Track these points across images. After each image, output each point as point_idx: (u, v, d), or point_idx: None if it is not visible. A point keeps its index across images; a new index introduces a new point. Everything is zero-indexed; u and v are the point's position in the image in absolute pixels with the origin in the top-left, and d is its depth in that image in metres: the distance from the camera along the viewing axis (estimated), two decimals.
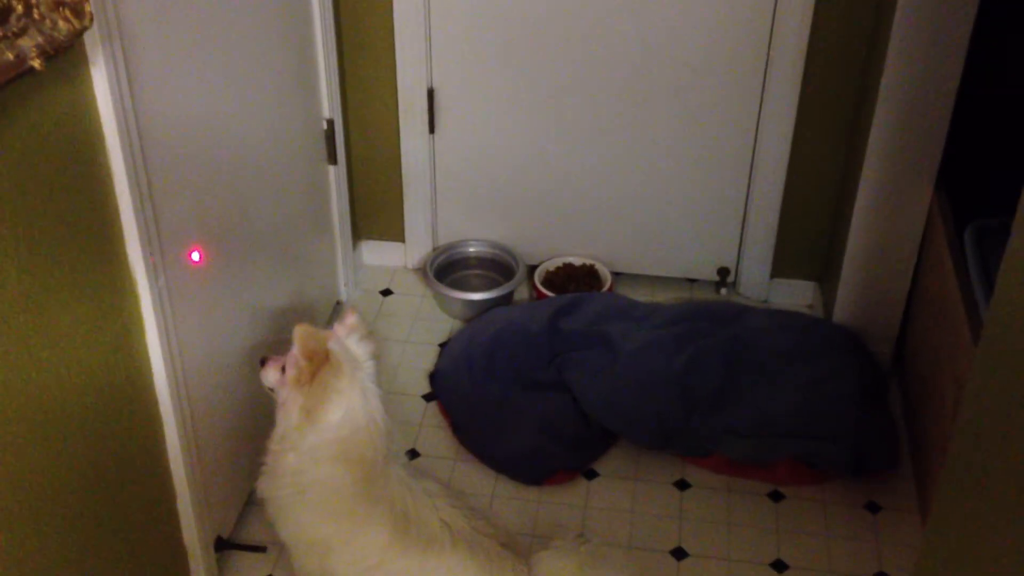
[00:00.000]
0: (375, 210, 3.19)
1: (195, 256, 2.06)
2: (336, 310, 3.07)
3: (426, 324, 3.05)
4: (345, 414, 1.90)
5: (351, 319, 1.99)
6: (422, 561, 1.91)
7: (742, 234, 3.04)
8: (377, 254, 3.26)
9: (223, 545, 2.27)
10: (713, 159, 2.94)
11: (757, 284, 3.10)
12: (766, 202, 2.96)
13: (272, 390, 2.00)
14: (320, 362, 1.87)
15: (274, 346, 2.15)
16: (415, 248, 3.23)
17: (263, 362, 2.01)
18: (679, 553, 2.36)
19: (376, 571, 1.94)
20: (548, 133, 2.98)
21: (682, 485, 2.54)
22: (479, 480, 2.54)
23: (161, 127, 1.85)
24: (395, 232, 3.22)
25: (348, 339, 1.97)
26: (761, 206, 2.97)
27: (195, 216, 2.06)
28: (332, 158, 2.87)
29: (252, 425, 2.27)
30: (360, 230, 3.21)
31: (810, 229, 3.00)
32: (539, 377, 2.68)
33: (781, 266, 3.07)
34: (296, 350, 1.88)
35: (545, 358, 2.72)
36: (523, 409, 2.61)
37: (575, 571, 1.93)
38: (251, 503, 2.43)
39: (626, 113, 2.91)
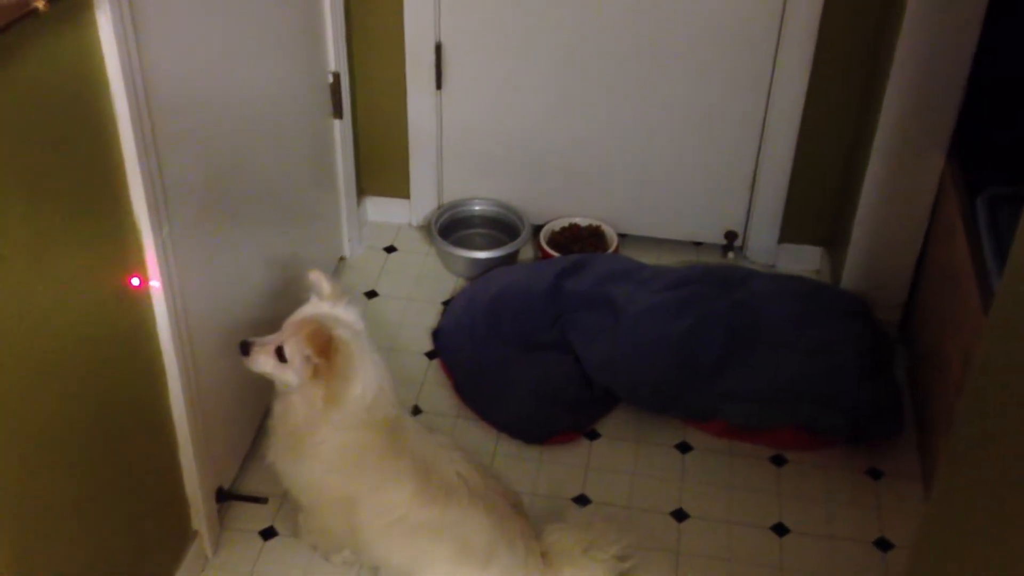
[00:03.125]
0: (380, 166, 3.16)
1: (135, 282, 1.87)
2: (340, 266, 3.05)
3: (429, 282, 3.03)
4: (364, 386, 1.93)
5: (327, 288, 1.98)
6: (443, 512, 1.95)
7: (751, 198, 3.02)
8: (382, 211, 3.23)
9: (224, 496, 2.27)
10: (724, 121, 2.91)
11: (765, 249, 3.08)
12: (776, 166, 2.93)
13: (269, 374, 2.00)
14: (332, 351, 1.88)
15: (251, 327, 2.14)
16: (420, 205, 3.20)
17: (246, 348, 1.98)
18: (680, 514, 2.37)
19: (401, 523, 1.97)
20: (557, 91, 2.95)
21: (684, 448, 2.53)
22: (481, 438, 2.54)
23: (165, 74, 1.82)
24: (400, 189, 3.20)
25: (336, 309, 1.97)
26: (771, 170, 2.94)
27: (199, 166, 2.04)
28: (338, 112, 2.84)
29: (255, 378, 2.25)
30: (365, 186, 3.19)
31: (820, 194, 2.97)
32: (541, 337, 2.67)
33: (789, 231, 3.05)
34: (310, 351, 1.88)
35: (548, 318, 2.71)
36: (525, 369, 2.60)
37: (582, 547, 1.98)
38: (252, 455, 2.43)
39: (637, 73, 2.87)
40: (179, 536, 2.14)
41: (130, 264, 1.80)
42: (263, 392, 2.53)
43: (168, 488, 2.07)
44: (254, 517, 2.32)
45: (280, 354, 1.93)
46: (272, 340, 1.95)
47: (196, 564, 2.18)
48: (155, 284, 1.87)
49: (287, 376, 1.95)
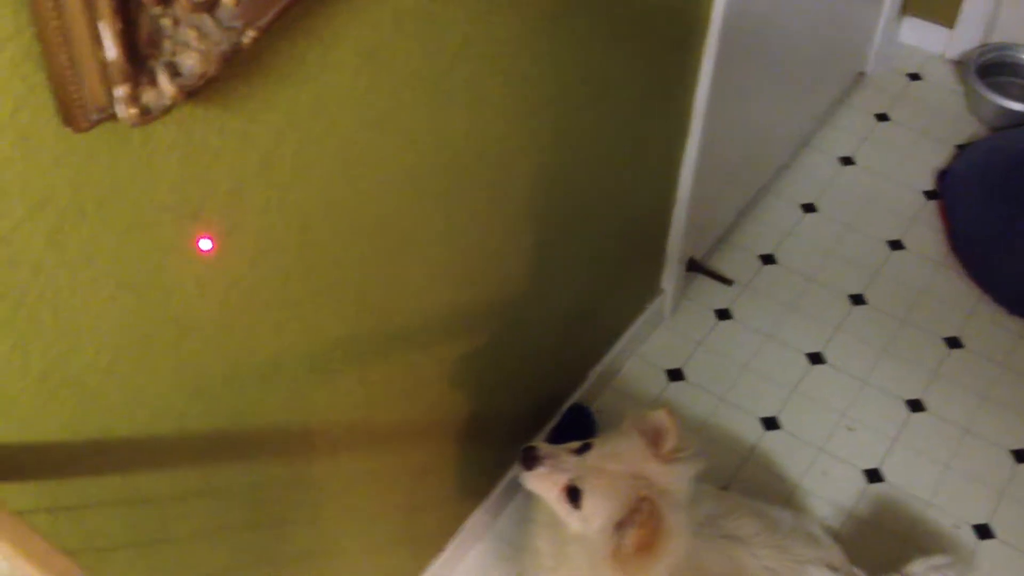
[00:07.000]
0: None
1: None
2: (856, 81, 2.91)
3: (948, 121, 2.82)
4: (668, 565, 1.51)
5: (672, 440, 1.51)
6: None
7: None
8: (918, 34, 3.01)
9: (694, 266, 2.34)
10: None
11: None
12: None
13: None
14: (656, 546, 1.46)
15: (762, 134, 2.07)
16: (962, 37, 2.94)
17: (531, 460, 1.52)
18: None
19: None
20: None
21: None
22: (960, 294, 2.39)
23: None
24: (946, 14, 2.94)
25: (668, 473, 1.51)
26: None
27: None
28: None
29: (747, 161, 2.27)
30: (907, 3, 2.97)
31: None
32: None
33: None
34: (630, 538, 1.44)
35: None
36: None
37: None
38: (726, 239, 2.47)
39: None
40: (647, 289, 2.27)
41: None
42: (748, 186, 2.55)
43: (652, 243, 2.17)
44: (714, 295, 2.39)
45: (572, 495, 1.50)
46: (568, 469, 1.51)
47: (654, 319, 2.31)
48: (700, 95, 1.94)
49: (570, 521, 1.52)
